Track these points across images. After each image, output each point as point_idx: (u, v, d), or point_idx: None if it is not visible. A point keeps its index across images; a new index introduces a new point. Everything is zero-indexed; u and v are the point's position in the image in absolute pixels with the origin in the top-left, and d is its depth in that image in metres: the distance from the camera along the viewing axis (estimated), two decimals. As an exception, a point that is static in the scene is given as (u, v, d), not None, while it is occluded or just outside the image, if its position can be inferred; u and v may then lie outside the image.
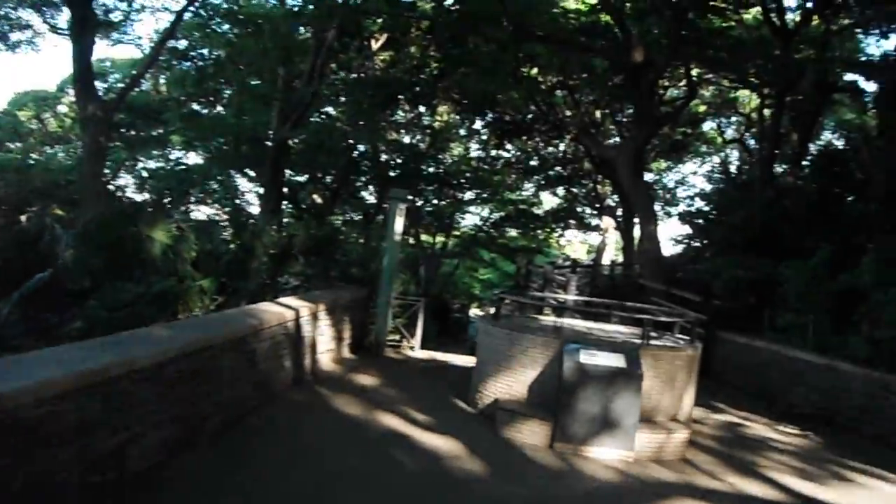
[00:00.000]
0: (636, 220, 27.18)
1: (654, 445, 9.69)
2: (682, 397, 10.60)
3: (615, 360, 9.67)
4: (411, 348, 16.56)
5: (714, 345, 17.91)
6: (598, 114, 32.30)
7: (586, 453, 9.44)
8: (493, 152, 34.83)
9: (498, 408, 10.26)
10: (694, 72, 29.86)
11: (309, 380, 11.94)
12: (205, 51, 30.09)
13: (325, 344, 13.22)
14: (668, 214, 37.74)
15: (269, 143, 25.12)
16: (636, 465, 9.33)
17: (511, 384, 10.61)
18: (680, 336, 12.00)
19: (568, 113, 30.69)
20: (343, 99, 28.25)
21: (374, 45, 27.39)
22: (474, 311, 36.51)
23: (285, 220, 28.33)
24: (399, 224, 15.58)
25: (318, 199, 33.54)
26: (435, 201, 32.60)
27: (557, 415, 9.59)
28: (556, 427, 9.57)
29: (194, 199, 35.92)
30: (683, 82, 26.74)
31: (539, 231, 38.44)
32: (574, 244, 47.64)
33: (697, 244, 24.40)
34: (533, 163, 35.73)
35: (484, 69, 24.90)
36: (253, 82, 28.00)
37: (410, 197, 29.73)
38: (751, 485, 8.98)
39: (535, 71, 28.84)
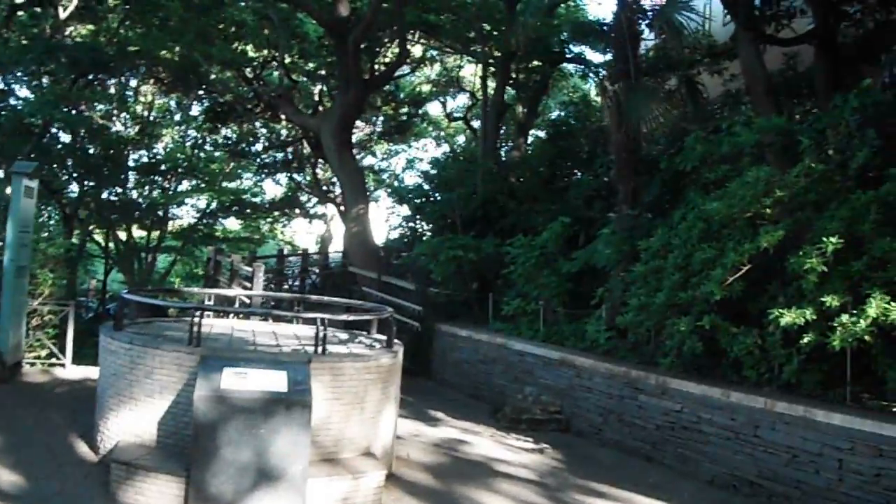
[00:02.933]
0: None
1: (337, 497, 6.72)
2: (377, 422, 7.61)
3: (273, 382, 6.58)
4: (62, 366, 12.25)
5: (433, 340, 15.49)
6: (316, 91, 29.26)
7: (234, 521, 6.21)
8: (209, 138, 30.98)
9: (113, 458, 6.86)
10: (418, 47, 27.99)
11: None
12: None
13: None
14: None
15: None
16: (306, 533, 6.13)
17: (136, 421, 7.24)
18: (377, 337, 8.99)
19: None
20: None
21: (63, 13, 22.41)
22: None
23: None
24: (28, 206, 11.40)
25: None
26: (146, 193, 28.24)
27: (191, 466, 6.35)
28: (190, 484, 6.35)
29: None
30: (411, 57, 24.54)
31: (262, 222, 35.60)
32: (301, 234, 44.50)
33: (416, 226, 21.91)
34: (248, 147, 32.29)
35: (173, 29, 21.03)
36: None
37: (120, 190, 25.35)
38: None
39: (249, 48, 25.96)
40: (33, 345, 12.31)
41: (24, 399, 10.02)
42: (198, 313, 7.44)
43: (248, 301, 13.23)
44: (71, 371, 12.05)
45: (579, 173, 19.23)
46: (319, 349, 7.35)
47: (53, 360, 12.30)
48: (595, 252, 12.70)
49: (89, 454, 7.77)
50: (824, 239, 7.80)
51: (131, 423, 7.23)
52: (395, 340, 8.52)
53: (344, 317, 8.66)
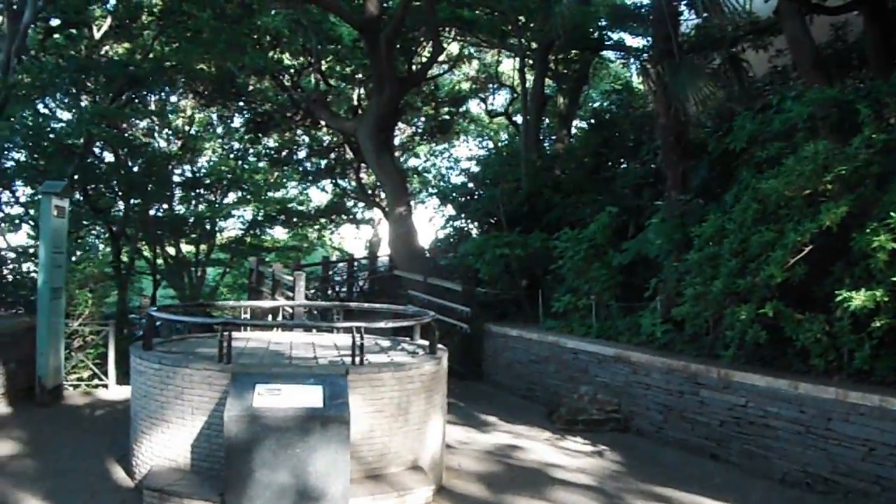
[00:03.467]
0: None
1: (382, 517, 6.25)
2: (422, 433, 7.24)
3: (308, 397, 6.24)
4: (105, 387, 12.08)
5: (483, 341, 15.03)
6: (354, 95, 29.09)
7: (271, 548, 5.87)
8: (252, 149, 31.07)
9: (146, 485, 6.58)
10: (454, 45, 27.69)
11: None
12: None
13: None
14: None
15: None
16: (350, 557, 5.80)
17: (169, 444, 6.95)
18: (420, 343, 8.63)
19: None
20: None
21: (97, 33, 22.61)
22: None
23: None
24: (60, 226, 11.26)
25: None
26: (192, 207, 28.43)
27: (225, 491, 6.05)
28: (225, 509, 6.03)
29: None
30: (442, 55, 24.15)
31: (310, 230, 35.58)
32: (350, 240, 44.53)
33: (461, 225, 21.51)
34: (290, 155, 32.33)
35: (204, 41, 20.96)
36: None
37: (166, 206, 25.65)
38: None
39: (285, 56, 25.79)
40: (77, 366, 12.11)
41: (63, 423, 9.83)
42: (230, 328, 7.16)
43: (290, 311, 12.99)
44: (114, 392, 11.81)
45: (626, 162, 18.63)
46: (357, 360, 6.98)
47: (97, 382, 12.12)
48: (646, 242, 12.15)
49: (126, 480, 7.50)
50: (892, 214, 7.24)
51: (164, 446, 6.96)
52: (439, 345, 8.12)
53: (380, 325, 8.28)
